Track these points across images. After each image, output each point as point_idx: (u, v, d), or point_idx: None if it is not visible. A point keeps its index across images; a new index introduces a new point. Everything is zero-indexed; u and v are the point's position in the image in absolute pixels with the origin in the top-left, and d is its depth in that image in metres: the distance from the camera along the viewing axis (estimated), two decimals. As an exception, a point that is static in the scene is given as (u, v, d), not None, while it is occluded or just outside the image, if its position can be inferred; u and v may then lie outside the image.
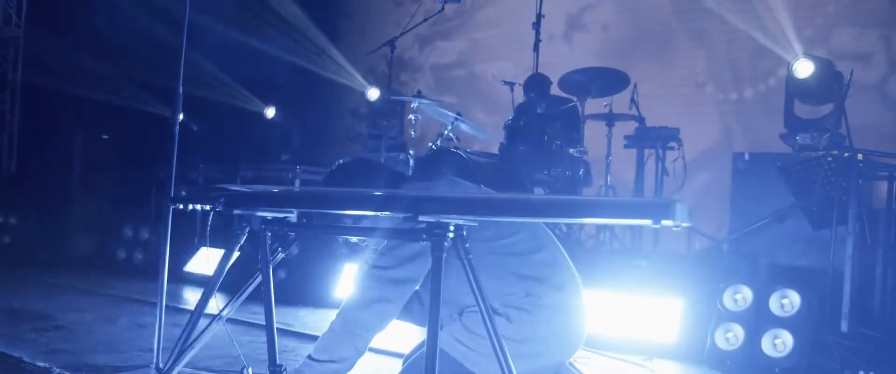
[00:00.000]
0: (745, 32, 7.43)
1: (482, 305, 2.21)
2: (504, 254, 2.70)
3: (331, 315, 2.74)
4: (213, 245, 7.20)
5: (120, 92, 10.50)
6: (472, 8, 9.52)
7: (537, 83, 6.63)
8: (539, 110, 6.39)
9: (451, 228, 2.17)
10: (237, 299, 2.90)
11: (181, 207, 2.97)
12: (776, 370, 4.09)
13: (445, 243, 2.16)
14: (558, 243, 2.93)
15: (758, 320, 4.26)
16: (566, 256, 2.88)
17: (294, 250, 6.39)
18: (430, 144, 6.76)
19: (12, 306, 5.42)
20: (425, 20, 8.33)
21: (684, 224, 1.78)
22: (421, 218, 2.19)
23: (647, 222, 1.84)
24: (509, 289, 2.69)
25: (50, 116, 11.21)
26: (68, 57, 10.53)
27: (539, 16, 5.82)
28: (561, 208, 2.24)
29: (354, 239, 2.99)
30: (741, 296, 4.38)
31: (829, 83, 5.82)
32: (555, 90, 6.70)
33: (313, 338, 2.75)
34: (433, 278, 2.15)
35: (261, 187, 2.90)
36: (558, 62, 7.20)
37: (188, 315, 2.85)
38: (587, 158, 6.42)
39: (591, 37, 8.59)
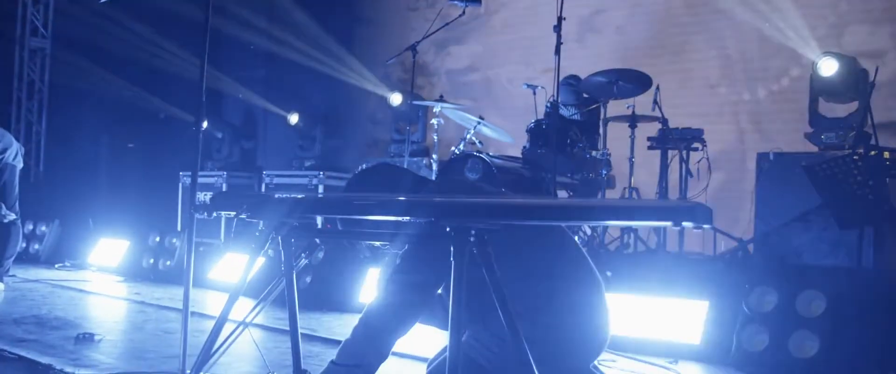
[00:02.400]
0: (758, 32, 7.38)
1: (504, 308, 2.21)
2: (526, 257, 2.70)
3: (355, 320, 2.75)
4: (237, 251, 7.27)
5: (145, 100, 10.62)
6: (486, 12, 9.51)
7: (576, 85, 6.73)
8: (568, 113, 6.40)
9: (473, 232, 2.17)
10: (261, 304, 2.91)
11: (205, 214, 2.98)
12: (804, 372, 4.05)
13: (467, 248, 2.16)
14: (580, 246, 2.92)
15: (784, 321, 4.21)
16: (588, 258, 2.88)
17: (319, 254, 6.42)
18: (453, 148, 6.77)
19: (40, 313, 5.48)
20: (446, 25, 8.33)
21: (705, 226, 1.77)
22: (443, 222, 2.19)
23: (667, 224, 1.84)
24: (532, 292, 2.68)
25: (76, 124, 11.36)
26: (94, 67, 10.67)
27: (560, 18, 5.79)
28: (583, 212, 2.24)
29: (377, 244, 3.00)
30: (768, 297, 4.34)
31: (854, 81, 5.76)
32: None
33: (337, 343, 2.75)
34: (455, 282, 2.15)
35: (285, 193, 2.91)
36: (572, 65, 7.19)
37: (213, 321, 2.87)
38: (610, 160, 6.39)
39: (604, 39, 8.55)
